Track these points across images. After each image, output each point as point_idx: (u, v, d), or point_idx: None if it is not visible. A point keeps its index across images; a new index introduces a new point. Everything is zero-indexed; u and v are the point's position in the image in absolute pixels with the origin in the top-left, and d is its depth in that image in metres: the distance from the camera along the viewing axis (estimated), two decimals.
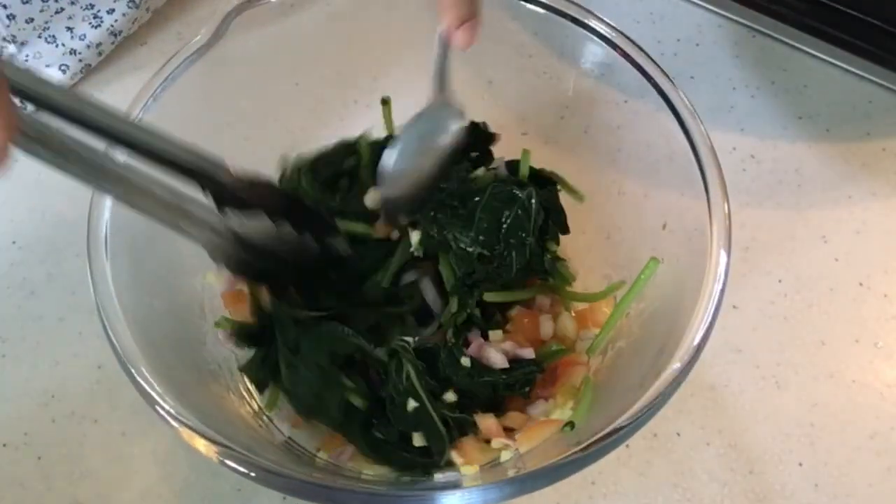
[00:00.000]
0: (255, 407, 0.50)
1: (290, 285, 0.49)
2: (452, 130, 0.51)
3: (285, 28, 0.53)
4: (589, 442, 0.40)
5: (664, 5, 0.71)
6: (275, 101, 0.55)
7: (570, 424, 0.46)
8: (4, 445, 0.53)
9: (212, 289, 0.53)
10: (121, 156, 0.40)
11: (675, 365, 0.41)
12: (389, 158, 0.50)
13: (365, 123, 0.57)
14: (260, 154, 0.57)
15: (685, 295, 0.44)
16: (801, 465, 0.53)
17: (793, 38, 0.68)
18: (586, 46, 0.52)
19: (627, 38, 0.50)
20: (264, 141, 0.56)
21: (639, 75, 0.49)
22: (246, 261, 0.44)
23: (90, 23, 0.64)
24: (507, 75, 0.59)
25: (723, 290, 0.42)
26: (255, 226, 0.44)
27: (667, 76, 0.48)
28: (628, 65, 0.49)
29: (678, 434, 0.54)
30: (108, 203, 0.44)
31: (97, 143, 0.39)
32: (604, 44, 0.50)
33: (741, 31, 0.70)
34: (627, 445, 0.53)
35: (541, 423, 0.49)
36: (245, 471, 0.39)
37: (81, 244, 0.59)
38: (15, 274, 0.58)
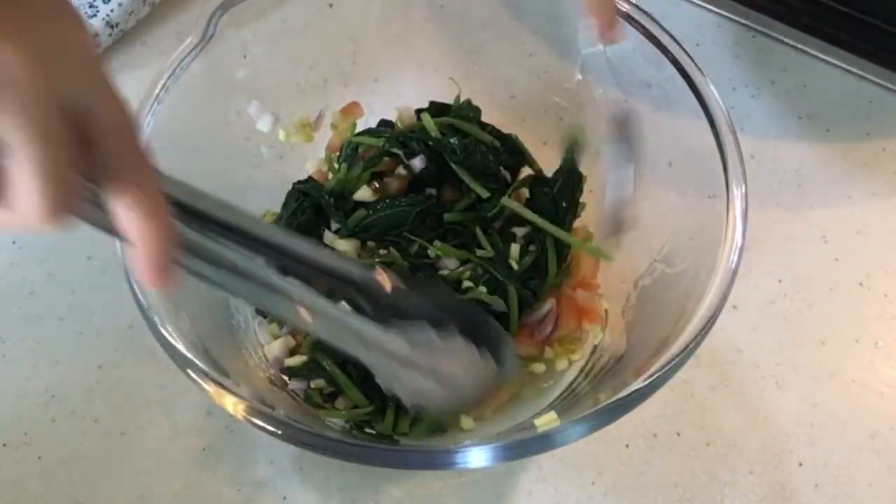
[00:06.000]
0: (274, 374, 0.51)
1: None
2: None
3: (279, 24, 0.53)
4: (677, 353, 0.41)
5: (664, 5, 0.71)
6: (276, 100, 0.55)
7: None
8: (4, 445, 0.53)
9: None
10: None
11: (722, 275, 0.42)
12: None
13: (368, 122, 0.58)
14: (261, 153, 0.57)
15: (705, 222, 0.45)
16: (801, 465, 0.53)
17: (793, 38, 0.68)
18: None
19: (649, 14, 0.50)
20: (265, 140, 0.56)
21: (655, 51, 0.49)
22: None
23: (86, 11, 0.65)
24: (506, 75, 0.59)
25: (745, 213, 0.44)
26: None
27: (688, 55, 0.49)
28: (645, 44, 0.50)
29: (678, 434, 0.54)
30: None
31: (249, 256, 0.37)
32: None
33: (741, 31, 0.70)
34: (627, 445, 0.53)
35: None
36: (273, 429, 0.40)
37: (82, 244, 0.59)
38: (15, 274, 0.58)
